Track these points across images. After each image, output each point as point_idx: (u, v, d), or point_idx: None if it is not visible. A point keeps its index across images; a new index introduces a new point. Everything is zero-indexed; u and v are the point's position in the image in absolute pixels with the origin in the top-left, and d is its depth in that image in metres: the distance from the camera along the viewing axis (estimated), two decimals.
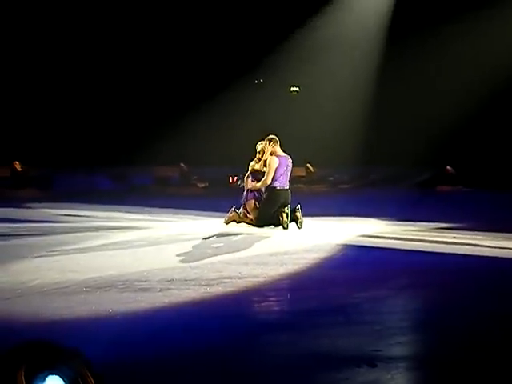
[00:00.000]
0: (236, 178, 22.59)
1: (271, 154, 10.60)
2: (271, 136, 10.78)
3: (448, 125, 23.81)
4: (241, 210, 10.83)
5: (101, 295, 5.51)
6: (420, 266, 7.43)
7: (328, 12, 24.82)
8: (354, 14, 24.96)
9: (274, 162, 10.46)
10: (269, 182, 10.44)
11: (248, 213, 10.76)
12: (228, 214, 10.90)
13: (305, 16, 24.68)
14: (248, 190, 10.89)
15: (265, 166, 10.72)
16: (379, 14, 25.10)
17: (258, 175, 10.81)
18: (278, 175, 10.47)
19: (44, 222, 11.72)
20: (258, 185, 10.62)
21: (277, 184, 10.48)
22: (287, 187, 10.61)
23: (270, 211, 10.44)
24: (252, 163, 10.97)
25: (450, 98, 23.86)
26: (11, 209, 14.23)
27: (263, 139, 11.03)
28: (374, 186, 23.91)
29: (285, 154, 10.71)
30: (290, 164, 10.70)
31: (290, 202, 10.48)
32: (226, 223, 10.85)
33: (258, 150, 10.94)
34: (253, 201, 10.76)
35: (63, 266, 6.88)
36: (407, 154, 23.95)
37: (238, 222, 10.81)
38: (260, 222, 10.52)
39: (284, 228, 10.28)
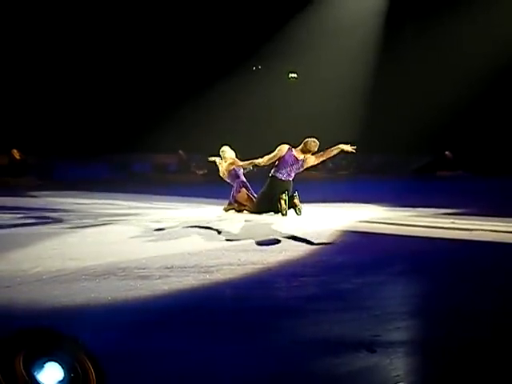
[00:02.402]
0: None
1: (293, 147, 10.56)
2: (311, 140, 10.65)
3: (447, 110, 23.80)
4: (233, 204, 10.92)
5: (100, 283, 5.52)
6: (418, 251, 7.44)
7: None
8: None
9: (281, 152, 10.42)
10: (262, 163, 10.46)
11: (243, 204, 10.77)
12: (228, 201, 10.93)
13: (302, 2, 24.57)
14: (237, 183, 10.90)
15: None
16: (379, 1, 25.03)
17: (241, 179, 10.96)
18: (281, 166, 10.40)
19: (43, 210, 11.73)
20: (258, 161, 10.65)
21: (279, 175, 10.44)
22: (291, 179, 10.57)
23: (269, 198, 10.42)
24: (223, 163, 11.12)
25: (448, 83, 23.81)
26: (10, 197, 14.23)
27: (227, 144, 11.31)
28: (374, 171, 23.91)
29: (300, 157, 10.57)
30: (301, 165, 10.56)
31: (290, 190, 10.45)
32: (226, 210, 10.85)
33: (222, 155, 11.14)
34: (244, 191, 10.76)
35: (63, 254, 6.89)
36: (406, 140, 23.95)
37: (237, 211, 10.82)
38: (259, 209, 10.51)
39: (283, 215, 10.27)
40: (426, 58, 25.42)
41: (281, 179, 10.42)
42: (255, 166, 10.93)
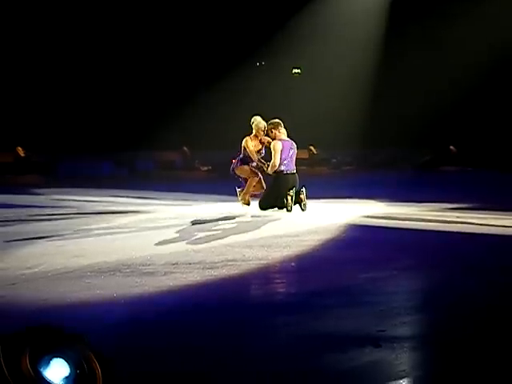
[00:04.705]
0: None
1: (274, 138, 10.52)
2: (276, 120, 10.64)
3: (452, 104, 23.77)
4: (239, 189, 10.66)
5: (105, 279, 5.53)
6: (423, 245, 7.43)
7: None
8: None
9: (279, 146, 10.40)
10: (277, 164, 10.32)
11: (243, 178, 10.62)
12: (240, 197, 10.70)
13: None
14: (239, 160, 10.65)
15: (262, 146, 10.61)
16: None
17: (247, 159, 10.60)
18: (282, 159, 10.39)
19: (48, 207, 11.75)
20: (269, 170, 10.42)
21: (283, 168, 10.40)
22: (294, 171, 10.53)
23: (275, 195, 10.38)
24: (248, 139, 10.62)
25: (452, 77, 23.77)
26: (15, 194, 14.26)
27: (258, 114, 10.88)
28: (378, 167, 23.89)
29: (288, 139, 10.63)
30: (294, 148, 10.62)
31: (297, 185, 10.41)
32: (246, 203, 10.59)
33: (254, 127, 10.62)
34: (245, 166, 10.56)
35: (68, 251, 6.90)
36: (411, 135, 23.91)
37: (243, 202, 10.58)
38: (265, 205, 10.48)
39: (288, 211, 10.25)
40: (431, 53, 25.37)
41: (285, 173, 10.37)
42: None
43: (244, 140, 10.58)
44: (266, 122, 10.67)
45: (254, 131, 10.62)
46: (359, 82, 24.84)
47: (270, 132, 10.53)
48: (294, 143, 10.64)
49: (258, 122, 10.65)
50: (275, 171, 10.41)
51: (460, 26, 23.70)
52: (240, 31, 24.78)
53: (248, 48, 25.03)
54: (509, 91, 24.76)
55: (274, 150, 10.38)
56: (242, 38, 24.88)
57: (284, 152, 10.38)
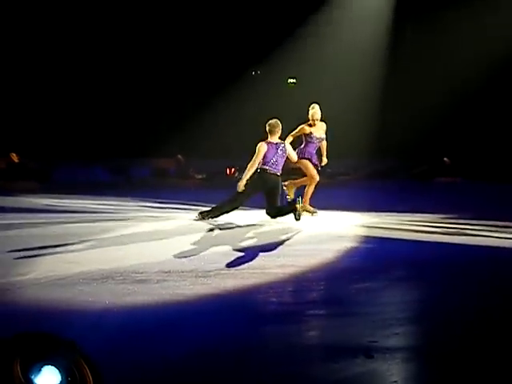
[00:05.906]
0: (233, 169, 22.65)
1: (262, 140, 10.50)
2: (272, 122, 10.60)
3: (447, 116, 23.85)
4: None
5: (98, 287, 5.51)
6: (417, 256, 7.43)
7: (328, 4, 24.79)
8: (354, 6, 24.96)
9: (263, 148, 10.29)
10: (254, 166, 10.21)
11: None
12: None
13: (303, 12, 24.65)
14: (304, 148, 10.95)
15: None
16: (380, 6, 25.11)
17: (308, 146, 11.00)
18: (267, 160, 10.26)
19: (41, 213, 11.70)
20: (251, 171, 10.38)
21: (267, 167, 10.29)
22: (279, 174, 10.40)
23: (252, 191, 10.28)
24: (304, 126, 10.95)
25: (447, 89, 23.86)
26: (8, 198, 14.21)
27: (316, 102, 11.19)
28: (372, 177, 23.91)
29: (277, 141, 10.51)
30: (283, 151, 10.47)
31: (279, 188, 10.32)
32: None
33: (310, 117, 10.94)
34: (306, 161, 10.93)
35: (60, 258, 6.88)
36: (405, 146, 23.97)
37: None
38: (240, 190, 10.29)
39: (296, 219, 10.13)
40: (428, 66, 25.46)
41: (268, 172, 10.26)
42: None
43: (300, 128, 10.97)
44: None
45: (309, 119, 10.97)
46: (355, 92, 24.89)
47: (266, 132, 10.55)
48: (283, 145, 10.52)
49: (315, 110, 11.00)
50: (260, 168, 10.27)
51: (457, 37, 23.80)
52: (235, 40, 24.84)
53: (243, 57, 25.08)
54: (504, 103, 24.87)
55: (258, 151, 10.24)
56: (237, 47, 24.93)
57: (269, 154, 10.25)
